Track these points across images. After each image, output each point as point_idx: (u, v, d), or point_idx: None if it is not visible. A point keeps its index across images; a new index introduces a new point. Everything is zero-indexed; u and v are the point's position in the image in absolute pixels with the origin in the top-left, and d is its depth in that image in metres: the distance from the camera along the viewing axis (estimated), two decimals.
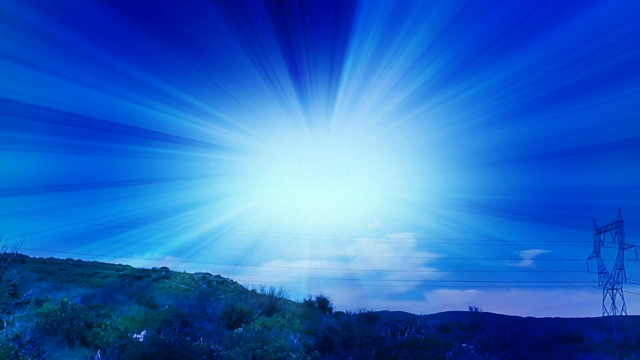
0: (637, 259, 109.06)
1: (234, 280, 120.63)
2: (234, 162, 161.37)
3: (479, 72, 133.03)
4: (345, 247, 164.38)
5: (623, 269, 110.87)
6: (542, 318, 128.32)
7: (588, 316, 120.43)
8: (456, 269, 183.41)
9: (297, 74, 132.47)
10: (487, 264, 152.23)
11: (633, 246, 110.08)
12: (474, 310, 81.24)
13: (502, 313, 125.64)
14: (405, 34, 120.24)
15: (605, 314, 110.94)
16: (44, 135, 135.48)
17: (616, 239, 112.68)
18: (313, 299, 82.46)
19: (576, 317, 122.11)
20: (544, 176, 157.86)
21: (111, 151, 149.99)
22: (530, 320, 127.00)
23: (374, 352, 46.14)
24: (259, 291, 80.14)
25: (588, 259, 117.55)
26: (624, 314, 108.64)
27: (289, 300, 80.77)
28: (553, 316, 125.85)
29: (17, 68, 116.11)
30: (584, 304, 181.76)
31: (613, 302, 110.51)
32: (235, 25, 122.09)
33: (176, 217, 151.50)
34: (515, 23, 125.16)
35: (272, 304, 68.31)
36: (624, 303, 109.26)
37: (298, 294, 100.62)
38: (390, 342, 50.54)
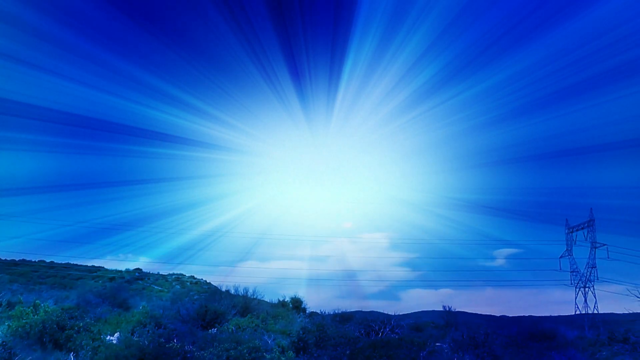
0: (608, 258, 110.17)
1: (208, 281, 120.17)
2: (234, 162, 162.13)
3: (479, 72, 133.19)
4: (320, 247, 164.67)
5: (595, 267, 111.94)
6: (515, 316, 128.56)
7: (561, 314, 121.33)
8: (430, 268, 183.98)
9: (297, 74, 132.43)
10: (462, 263, 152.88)
11: (605, 245, 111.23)
12: (447, 309, 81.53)
13: (476, 312, 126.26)
14: (405, 34, 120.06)
15: (578, 312, 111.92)
16: (44, 135, 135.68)
17: (588, 237, 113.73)
18: (287, 299, 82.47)
19: (549, 315, 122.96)
20: (544, 176, 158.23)
21: (111, 151, 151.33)
22: (503, 318, 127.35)
23: (348, 352, 46.17)
24: (232, 292, 79.94)
25: (560, 257, 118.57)
26: (596, 311, 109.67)
27: (263, 300, 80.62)
28: (526, 314, 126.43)
29: (17, 68, 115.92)
30: (556, 302, 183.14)
31: (585, 300, 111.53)
32: (235, 25, 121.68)
33: (176, 218, 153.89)
34: (515, 23, 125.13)
35: (246, 305, 68.12)
36: (595, 301, 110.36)
37: (272, 295, 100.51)
38: (364, 342, 50.58)
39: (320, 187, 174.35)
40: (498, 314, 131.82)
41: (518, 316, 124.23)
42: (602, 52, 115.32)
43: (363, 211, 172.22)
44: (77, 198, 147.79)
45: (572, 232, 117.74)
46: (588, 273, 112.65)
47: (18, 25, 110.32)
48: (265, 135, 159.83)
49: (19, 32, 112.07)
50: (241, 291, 78.34)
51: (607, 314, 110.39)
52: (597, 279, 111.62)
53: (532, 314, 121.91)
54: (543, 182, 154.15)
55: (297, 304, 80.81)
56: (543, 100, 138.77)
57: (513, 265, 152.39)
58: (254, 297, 77.77)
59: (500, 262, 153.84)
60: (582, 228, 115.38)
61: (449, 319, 77.28)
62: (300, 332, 47.69)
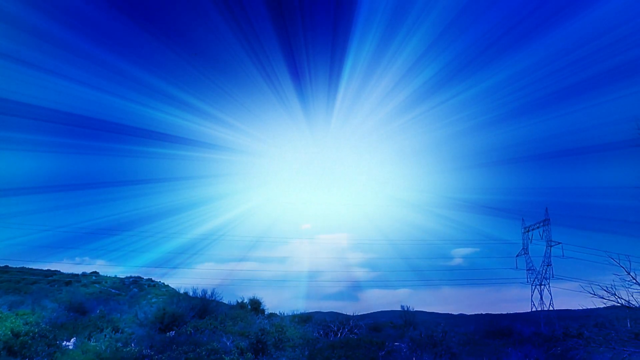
0: (563, 256, 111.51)
1: (166, 284, 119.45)
2: (234, 162, 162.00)
3: (479, 72, 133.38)
4: (278, 248, 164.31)
5: (550, 265, 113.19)
6: (473, 315, 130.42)
7: (517, 311, 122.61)
8: (388, 269, 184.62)
9: (297, 74, 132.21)
10: (420, 262, 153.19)
11: (560, 243, 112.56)
12: (406, 309, 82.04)
13: (434, 311, 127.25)
14: (405, 34, 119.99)
15: (534, 309, 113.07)
16: (44, 135, 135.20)
17: (544, 236, 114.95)
18: (246, 300, 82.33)
19: (506, 312, 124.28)
20: (544, 176, 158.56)
21: (111, 151, 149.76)
22: (461, 317, 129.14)
23: (307, 352, 46.27)
24: (191, 294, 79.60)
25: (517, 256, 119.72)
26: (551, 308, 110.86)
27: (222, 302, 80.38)
28: (484, 312, 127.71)
29: (17, 68, 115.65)
30: (513, 300, 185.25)
31: (541, 297, 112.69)
32: (235, 25, 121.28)
33: (176, 218, 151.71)
34: (515, 23, 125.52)
35: (204, 307, 67.89)
36: (551, 298, 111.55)
37: (231, 296, 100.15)
38: (323, 343, 50.72)
39: (320, 187, 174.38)
40: (456, 313, 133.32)
41: (476, 314, 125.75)
42: (602, 52, 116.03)
43: (323, 212, 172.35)
44: (77, 198, 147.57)
45: (527, 231, 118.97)
46: (544, 271, 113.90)
47: (18, 25, 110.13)
48: (265, 135, 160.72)
49: (19, 32, 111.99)
50: (199, 293, 78.10)
51: (562, 310, 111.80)
52: (553, 277, 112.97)
53: (490, 312, 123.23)
54: (543, 182, 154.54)
55: (255, 306, 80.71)
56: (543, 100, 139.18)
57: (470, 264, 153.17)
58: (213, 299, 77.50)
59: (458, 261, 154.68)
60: (538, 227, 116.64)
61: (407, 319, 77.77)
62: (259, 334, 47.66)
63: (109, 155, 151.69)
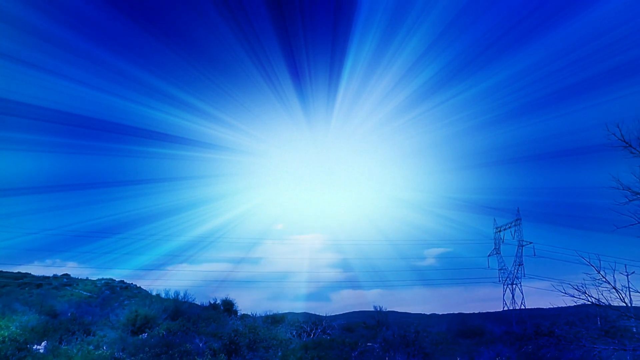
0: (535, 255, 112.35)
1: (138, 285, 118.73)
2: (234, 162, 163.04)
3: (479, 72, 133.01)
4: (252, 249, 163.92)
5: (522, 264, 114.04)
6: (445, 314, 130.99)
7: (489, 311, 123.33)
8: (361, 269, 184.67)
9: (297, 74, 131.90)
10: (392, 263, 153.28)
11: (531, 243, 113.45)
12: (378, 309, 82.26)
13: (406, 311, 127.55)
14: (405, 34, 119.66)
15: (506, 308, 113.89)
16: (44, 135, 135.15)
17: (515, 236, 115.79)
18: (218, 301, 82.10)
19: (478, 312, 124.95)
20: (544, 176, 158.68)
21: (111, 151, 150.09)
22: (433, 316, 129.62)
23: (280, 353, 46.23)
24: (163, 295, 79.32)
25: (489, 256, 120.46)
26: (523, 307, 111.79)
27: (194, 303, 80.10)
28: (456, 312, 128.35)
29: (17, 68, 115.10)
30: (485, 299, 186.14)
31: (513, 297, 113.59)
32: (235, 25, 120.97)
33: (176, 218, 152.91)
34: (515, 23, 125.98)
35: (177, 308, 67.60)
36: (523, 297, 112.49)
37: (203, 297, 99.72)
38: (296, 344, 50.73)
39: (320, 188, 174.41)
40: (428, 313, 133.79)
41: (448, 314, 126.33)
42: (602, 52, 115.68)
43: (294, 212, 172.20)
44: (76, 198, 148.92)
45: (499, 231, 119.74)
46: (515, 270, 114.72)
47: (18, 25, 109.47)
48: (265, 135, 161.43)
49: (19, 32, 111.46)
50: (172, 295, 77.79)
51: (534, 309, 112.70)
52: (524, 276, 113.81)
53: (462, 312, 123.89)
54: (543, 182, 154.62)
55: (228, 307, 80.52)
56: (543, 100, 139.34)
57: (443, 264, 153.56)
58: (185, 300, 77.22)
59: (430, 261, 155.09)
60: (509, 227, 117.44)
61: (379, 319, 77.97)
62: (232, 335, 47.54)
63: (109, 155, 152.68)
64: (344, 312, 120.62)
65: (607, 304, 19.88)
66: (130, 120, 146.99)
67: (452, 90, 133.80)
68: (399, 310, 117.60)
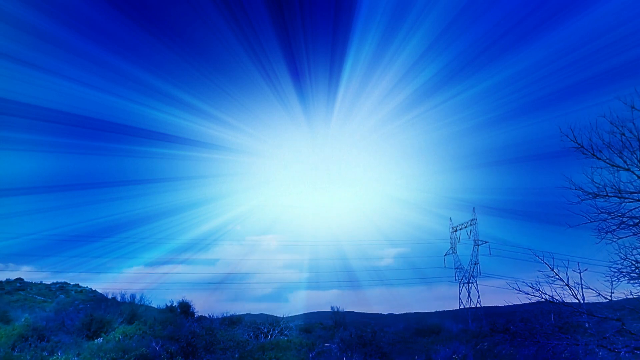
0: (490, 254, 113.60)
1: (93, 289, 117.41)
2: (234, 162, 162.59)
3: (479, 72, 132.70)
4: (208, 250, 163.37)
5: (478, 263, 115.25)
6: (402, 314, 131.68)
7: (446, 309, 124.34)
8: (319, 269, 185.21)
9: (297, 74, 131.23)
10: (350, 263, 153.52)
11: (487, 242, 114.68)
12: (336, 310, 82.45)
13: (364, 311, 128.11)
14: (405, 34, 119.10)
15: (462, 306, 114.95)
16: (44, 135, 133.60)
17: (471, 236, 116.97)
18: (175, 304, 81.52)
19: (434, 311, 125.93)
20: (544, 176, 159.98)
21: (111, 151, 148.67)
22: (390, 316, 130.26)
23: (237, 355, 46.12)
24: (119, 299, 78.52)
25: (445, 255, 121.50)
26: (478, 305, 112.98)
27: (151, 306, 79.47)
28: (413, 311, 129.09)
29: (17, 68, 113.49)
30: (442, 298, 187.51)
31: (469, 295, 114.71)
32: (235, 25, 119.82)
33: (177, 217, 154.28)
34: (515, 23, 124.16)
35: (133, 312, 66.96)
36: (478, 295, 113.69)
37: (160, 300, 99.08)
38: (253, 345, 50.66)
39: (320, 188, 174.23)
40: (385, 313, 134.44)
41: (405, 313, 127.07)
42: (602, 52, 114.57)
43: (251, 213, 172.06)
44: (77, 198, 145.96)
45: (455, 231, 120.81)
46: (471, 269, 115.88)
47: (18, 25, 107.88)
48: (265, 135, 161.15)
49: (19, 32, 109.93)
50: (128, 298, 77.08)
51: (489, 306, 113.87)
52: (480, 275, 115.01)
53: (419, 311, 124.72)
54: (543, 182, 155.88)
55: (185, 309, 79.95)
56: (543, 100, 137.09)
57: (400, 264, 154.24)
58: (141, 303, 76.58)
59: (388, 261, 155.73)
60: (465, 227, 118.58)
61: (337, 319, 78.19)
62: (189, 337, 47.26)
63: (109, 155, 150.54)
64: (302, 312, 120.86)
65: (560, 300, 20.14)
66: (130, 120, 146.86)
67: (452, 90, 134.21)
68: (356, 311, 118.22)
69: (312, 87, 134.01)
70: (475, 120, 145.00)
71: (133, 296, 77.30)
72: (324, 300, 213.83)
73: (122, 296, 78.58)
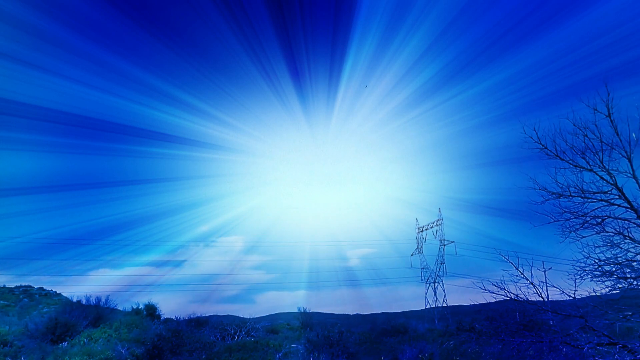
0: (456, 254, 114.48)
1: (58, 292, 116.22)
2: (234, 162, 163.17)
3: (479, 72, 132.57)
4: (176, 252, 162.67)
5: (444, 263, 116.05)
6: (369, 314, 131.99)
7: (412, 309, 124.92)
8: (285, 270, 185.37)
9: (297, 74, 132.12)
10: (316, 264, 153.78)
11: (452, 242, 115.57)
12: (302, 310, 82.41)
13: (330, 312, 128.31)
14: (405, 34, 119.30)
15: (428, 306, 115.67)
16: (44, 135, 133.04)
17: (437, 235, 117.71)
18: (141, 306, 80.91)
19: (401, 311, 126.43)
20: (545, 176, 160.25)
21: (111, 151, 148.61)
22: (357, 317, 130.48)
23: (204, 357, 45.96)
24: (84, 302, 77.69)
25: (411, 255, 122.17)
26: (445, 304, 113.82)
27: (116, 309, 78.77)
28: (379, 311, 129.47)
29: (17, 68, 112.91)
30: (408, 298, 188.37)
31: (435, 295, 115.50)
32: (235, 26, 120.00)
33: (176, 218, 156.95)
34: (515, 23, 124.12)
35: (98, 315, 66.37)
36: (445, 295, 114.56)
37: (125, 303, 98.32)
38: (220, 346, 50.50)
39: (320, 188, 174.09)
40: (352, 313, 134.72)
41: (372, 313, 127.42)
42: (602, 52, 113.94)
43: (217, 214, 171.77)
44: (77, 198, 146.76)
45: (421, 231, 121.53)
46: (437, 269, 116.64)
47: (18, 25, 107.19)
48: (265, 135, 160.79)
49: (19, 32, 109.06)
50: (93, 301, 76.32)
51: (456, 306, 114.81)
52: (446, 274, 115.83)
53: (385, 311, 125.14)
54: (543, 182, 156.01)
55: (151, 311, 79.40)
56: (543, 100, 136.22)
57: (367, 264, 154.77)
58: (107, 306, 75.90)
59: (355, 262, 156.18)
60: (431, 227, 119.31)
61: (304, 320, 78.15)
62: (155, 340, 47.01)
63: (109, 155, 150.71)
64: (268, 314, 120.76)
65: (525, 299, 20.39)
66: (130, 120, 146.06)
67: (452, 90, 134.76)
68: (323, 311, 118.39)
69: (312, 87, 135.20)
70: (475, 120, 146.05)
71: (98, 299, 76.51)
72: (291, 301, 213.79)
73: (88, 299, 77.71)
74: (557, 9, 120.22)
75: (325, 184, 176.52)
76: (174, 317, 79.18)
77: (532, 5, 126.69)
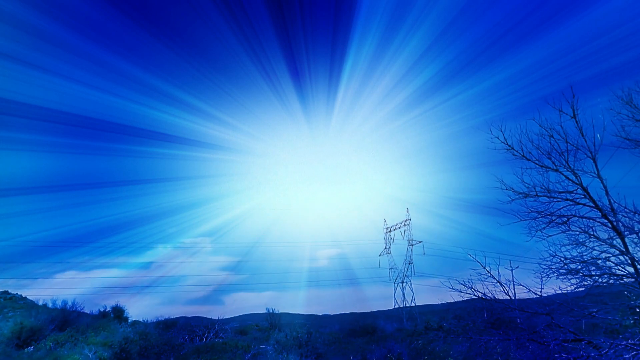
0: (424, 254, 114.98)
1: (24, 296, 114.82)
2: (234, 162, 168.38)
3: (479, 72, 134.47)
4: (144, 254, 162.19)
5: (412, 263, 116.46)
6: (337, 314, 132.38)
7: (381, 309, 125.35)
8: (254, 272, 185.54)
9: (297, 74, 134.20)
10: (285, 265, 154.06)
11: (421, 242, 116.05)
12: (271, 311, 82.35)
13: (299, 312, 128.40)
14: (405, 34, 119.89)
15: (397, 306, 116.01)
16: (44, 135, 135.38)
17: (405, 236, 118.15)
18: (108, 309, 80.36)
19: (369, 311, 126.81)
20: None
21: (111, 151, 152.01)
22: (325, 317, 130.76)
23: (172, 359, 45.76)
24: (50, 305, 76.95)
25: (379, 256, 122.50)
26: (413, 304, 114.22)
27: (83, 312, 78.09)
28: (348, 312, 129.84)
29: (17, 68, 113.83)
30: (377, 298, 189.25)
31: (403, 294, 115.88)
32: (235, 25, 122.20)
33: (176, 217, 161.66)
34: (515, 23, 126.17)
35: (64, 318, 65.73)
36: (413, 294, 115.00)
37: (93, 306, 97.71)
38: (188, 348, 50.34)
39: (320, 188, 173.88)
40: (320, 314, 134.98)
41: (340, 314, 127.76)
42: (602, 52, 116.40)
43: (182, 216, 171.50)
44: (77, 198, 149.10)
45: (389, 231, 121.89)
46: (405, 269, 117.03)
47: (18, 25, 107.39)
48: (265, 135, 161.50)
49: (19, 32, 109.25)
50: (59, 304, 75.62)
51: (424, 305, 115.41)
52: (414, 274, 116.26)
53: (354, 311, 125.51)
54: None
55: (119, 314, 78.90)
56: (543, 100, 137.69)
57: (335, 264, 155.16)
58: (73, 309, 75.21)
59: (323, 262, 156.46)
60: (399, 227, 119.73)
61: (272, 321, 78.11)
62: (123, 343, 46.76)
63: (109, 155, 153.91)
64: (237, 315, 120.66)
65: (492, 297, 20.59)
66: (130, 120, 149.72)
67: (452, 90, 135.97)
68: (291, 312, 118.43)
69: (312, 87, 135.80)
70: (475, 120, 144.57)
71: (65, 302, 75.85)
72: (260, 302, 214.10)
73: (54, 303, 77.03)
74: (557, 9, 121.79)
75: (324, 183, 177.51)
76: (141, 320, 78.84)
77: (532, 5, 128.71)
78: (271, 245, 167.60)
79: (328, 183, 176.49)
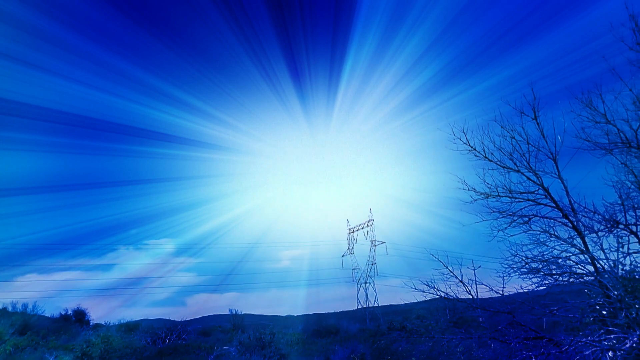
0: (387, 254, 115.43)
1: None
2: (234, 162, 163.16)
3: (479, 72, 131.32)
4: (104, 256, 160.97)
5: (375, 263, 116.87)
6: (301, 315, 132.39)
7: (344, 310, 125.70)
8: (216, 272, 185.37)
9: (297, 74, 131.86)
10: (248, 265, 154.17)
11: (384, 242, 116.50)
12: (234, 312, 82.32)
13: (262, 313, 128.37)
14: (405, 34, 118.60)
15: (360, 306, 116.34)
16: (44, 135, 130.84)
17: (368, 236, 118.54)
18: (69, 312, 79.64)
19: (333, 311, 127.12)
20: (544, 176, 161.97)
21: (111, 151, 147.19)
22: (289, 318, 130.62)
23: None
24: (10, 309, 76.04)
25: (342, 256, 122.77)
26: (376, 304, 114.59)
27: (44, 315, 77.31)
28: (312, 312, 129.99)
29: (17, 68, 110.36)
30: (340, 298, 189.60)
31: (366, 295, 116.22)
32: (235, 25, 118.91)
33: (176, 217, 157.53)
34: (515, 23, 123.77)
35: (25, 322, 64.98)
36: (376, 295, 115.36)
37: (54, 309, 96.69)
38: (151, 351, 50.06)
39: (320, 187, 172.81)
40: (284, 314, 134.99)
41: (304, 314, 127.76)
42: (602, 52, 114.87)
43: (145, 218, 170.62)
44: (77, 198, 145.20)
45: (352, 232, 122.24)
46: (368, 269, 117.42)
47: (18, 25, 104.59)
48: (265, 135, 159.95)
49: (19, 32, 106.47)
50: (19, 308, 74.76)
51: (387, 305, 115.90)
52: (377, 274, 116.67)
53: (317, 312, 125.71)
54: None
55: (80, 317, 78.23)
56: (543, 100, 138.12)
57: (298, 265, 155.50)
58: (34, 313, 74.44)
59: (285, 263, 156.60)
60: (362, 228, 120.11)
61: (235, 322, 78.06)
62: (84, 346, 46.36)
63: (109, 155, 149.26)
64: (200, 316, 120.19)
65: (455, 296, 20.76)
66: (130, 120, 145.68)
67: (452, 90, 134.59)
68: (255, 313, 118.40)
69: (312, 87, 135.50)
70: (475, 120, 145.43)
71: (25, 305, 75.01)
72: (222, 303, 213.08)
73: (14, 306, 76.11)
74: (556, 9, 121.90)
75: (322, 183, 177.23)
76: (103, 323, 78.24)
77: (532, 5, 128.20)
78: (232, 246, 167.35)
79: (331, 183, 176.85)
